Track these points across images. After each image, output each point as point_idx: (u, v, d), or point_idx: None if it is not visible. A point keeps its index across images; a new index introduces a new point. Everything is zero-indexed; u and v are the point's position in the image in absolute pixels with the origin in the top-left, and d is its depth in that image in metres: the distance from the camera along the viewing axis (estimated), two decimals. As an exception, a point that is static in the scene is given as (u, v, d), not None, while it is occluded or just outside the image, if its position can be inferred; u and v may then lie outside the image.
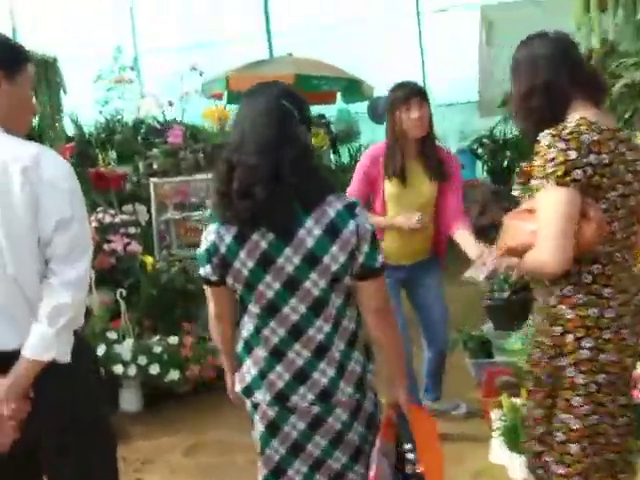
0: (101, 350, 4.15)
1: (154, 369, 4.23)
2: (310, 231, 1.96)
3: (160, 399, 4.49)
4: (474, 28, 8.65)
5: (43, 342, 1.99)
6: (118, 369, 4.17)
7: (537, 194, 2.13)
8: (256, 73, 7.45)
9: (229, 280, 2.03)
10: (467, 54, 8.53)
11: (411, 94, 3.51)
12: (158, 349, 4.30)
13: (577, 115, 2.16)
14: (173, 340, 4.42)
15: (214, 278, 2.05)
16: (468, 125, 8.99)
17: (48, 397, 2.05)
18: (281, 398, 2.08)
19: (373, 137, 8.72)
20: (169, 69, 8.44)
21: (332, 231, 1.96)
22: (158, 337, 4.42)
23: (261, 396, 2.10)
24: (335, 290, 2.02)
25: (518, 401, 3.18)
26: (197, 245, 5.40)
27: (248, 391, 2.14)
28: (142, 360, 4.23)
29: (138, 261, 4.73)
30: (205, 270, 2.06)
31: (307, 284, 1.99)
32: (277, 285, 2.00)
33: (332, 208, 1.98)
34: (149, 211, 5.47)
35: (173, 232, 5.58)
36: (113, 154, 7.30)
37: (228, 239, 1.98)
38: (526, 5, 8.57)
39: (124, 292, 4.33)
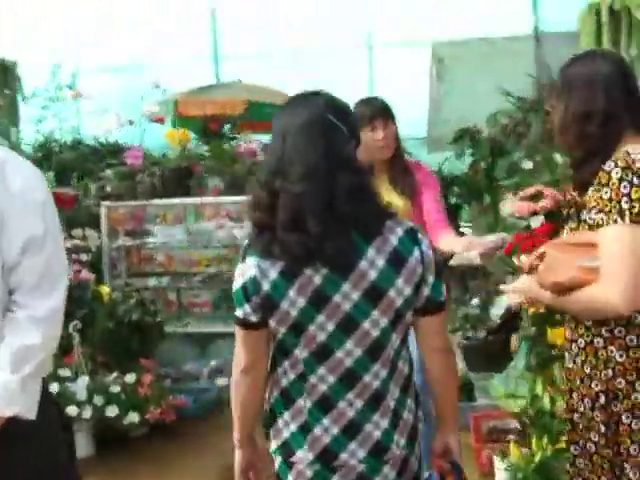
0: (53, 389, 3.72)
1: (112, 411, 3.83)
2: (372, 262, 1.71)
3: (112, 443, 4.07)
4: (424, 64, 8.63)
5: (4, 393, 1.62)
6: (72, 410, 3.75)
7: (604, 229, 1.94)
8: (206, 97, 7.16)
9: (272, 322, 1.74)
10: (417, 90, 8.49)
11: (376, 113, 3.19)
12: (116, 388, 3.90)
13: (633, 147, 2.01)
14: (130, 378, 4.03)
15: (254, 319, 1.76)
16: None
17: (8, 460, 1.69)
18: (326, 456, 1.79)
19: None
20: (107, 89, 8.05)
21: (396, 260, 1.72)
22: (115, 375, 4.02)
23: (302, 454, 1.80)
24: (396, 329, 1.77)
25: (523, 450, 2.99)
26: (151, 275, 5.08)
27: (285, 449, 1.83)
28: (98, 400, 3.82)
29: (90, 291, 4.33)
30: (243, 310, 1.76)
31: (366, 324, 1.73)
32: (331, 326, 1.73)
33: (393, 235, 1.74)
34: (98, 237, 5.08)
35: (123, 260, 5.19)
36: (50, 175, 6.85)
37: (273, 275, 1.70)
38: (476, 43, 8.66)
39: (79, 324, 3.93)
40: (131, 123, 5.31)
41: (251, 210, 1.77)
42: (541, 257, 2.10)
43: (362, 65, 9.12)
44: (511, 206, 3.76)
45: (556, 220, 3.99)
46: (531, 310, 3.34)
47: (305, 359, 1.77)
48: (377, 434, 1.79)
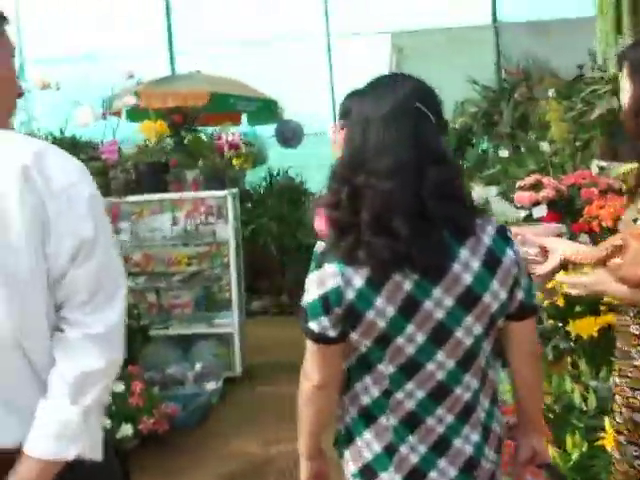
0: (41, 403, 3.45)
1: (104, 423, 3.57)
2: (467, 265, 1.55)
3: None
4: (384, 54, 8.55)
5: (64, 430, 1.34)
6: (63, 425, 3.48)
7: None
8: (168, 89, 6.89)
9: (354, 335, 1.57)
10: (376, 79, 8.37)
11: None
12: (106, 398, 3.64)
13: None
14: (119, 387, 3.78)
15: (333, 334, 1.57)
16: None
17: None
18: (415, 477, 1.63)
19: (281, 162, 8.38)
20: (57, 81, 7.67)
21: (491, 262, 1.57)
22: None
23: (388, 476, 1.63)
24: (488, 336, 1.63)
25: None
26: (128, 275, 4.81)
27: (368, 472, 1.66)
28: (89, 413, 3.56)
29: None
30: (320, 324, 1.56)
31: (459, 332, 1.58)
32: (421, 336, 1.56)
33: (485, 234, 1.59)
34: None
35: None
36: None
37: (358, 283, 1.53)
38: (435, 33, 8.62)
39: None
40: (105, 117, 5.01)
41: (328, 209, 1.59)
42: (619, 250, 1.98)
43: (321, 54, 8.96)
44: None
45: (559, 209, 3.95)
46: (546, 302, 3.26)
47: (391, 374, 1.60)
48: (468, 449, 1.65)
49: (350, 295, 1.53)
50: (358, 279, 1.53)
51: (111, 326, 1.39)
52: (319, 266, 1.57)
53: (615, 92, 4.29)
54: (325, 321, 1.56)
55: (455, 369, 1.61)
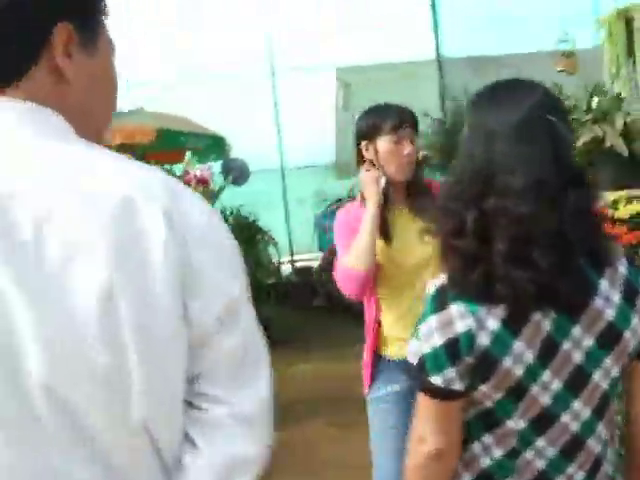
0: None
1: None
2: (607, 298, 1.35)
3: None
4: (330, 90, 8.49)
5: None
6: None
7: None
8: (114, 125, 6.56)
9: (484, 387, 1.33)
10: (323, 116, 8.31)
11: (403, 121, 2.41)
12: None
13: None
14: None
15: (459, 387, 1.33)
16: (324, 188, 8.69)
17: None
18: None
19: (229, 200, 8.12)
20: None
21: (630, 294, 1.37)
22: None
23: None
24: (622, 378, 1.44)
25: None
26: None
27: None
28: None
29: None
30: (445, 376, 1.32)
31: (597, 375, 1.37)
32: (556, 384, 1.34)
33: (620, 263, 1.41)
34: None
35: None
36: None
37: (492, 324, 1.29)
38: (381, 69, 8.63)
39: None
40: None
41: (449, 236, 1.37)
42: None
43: (265, 90, 8.82)
44: None
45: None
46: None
47: (521, 430, 1.37)
48: None
49: (484, 340, 1.29)
50: (492, 320, 1.29)
51: (261, 403, 1.09)
52: (440, 307, 1.35)
53: (595, 120, 4.28)
54: (451, 372, 1.31)
55: (590, 418, 1.39)
